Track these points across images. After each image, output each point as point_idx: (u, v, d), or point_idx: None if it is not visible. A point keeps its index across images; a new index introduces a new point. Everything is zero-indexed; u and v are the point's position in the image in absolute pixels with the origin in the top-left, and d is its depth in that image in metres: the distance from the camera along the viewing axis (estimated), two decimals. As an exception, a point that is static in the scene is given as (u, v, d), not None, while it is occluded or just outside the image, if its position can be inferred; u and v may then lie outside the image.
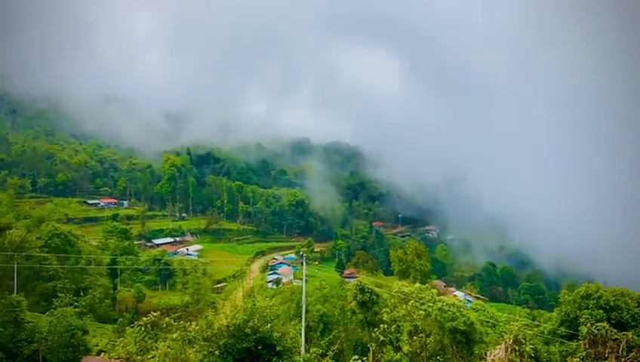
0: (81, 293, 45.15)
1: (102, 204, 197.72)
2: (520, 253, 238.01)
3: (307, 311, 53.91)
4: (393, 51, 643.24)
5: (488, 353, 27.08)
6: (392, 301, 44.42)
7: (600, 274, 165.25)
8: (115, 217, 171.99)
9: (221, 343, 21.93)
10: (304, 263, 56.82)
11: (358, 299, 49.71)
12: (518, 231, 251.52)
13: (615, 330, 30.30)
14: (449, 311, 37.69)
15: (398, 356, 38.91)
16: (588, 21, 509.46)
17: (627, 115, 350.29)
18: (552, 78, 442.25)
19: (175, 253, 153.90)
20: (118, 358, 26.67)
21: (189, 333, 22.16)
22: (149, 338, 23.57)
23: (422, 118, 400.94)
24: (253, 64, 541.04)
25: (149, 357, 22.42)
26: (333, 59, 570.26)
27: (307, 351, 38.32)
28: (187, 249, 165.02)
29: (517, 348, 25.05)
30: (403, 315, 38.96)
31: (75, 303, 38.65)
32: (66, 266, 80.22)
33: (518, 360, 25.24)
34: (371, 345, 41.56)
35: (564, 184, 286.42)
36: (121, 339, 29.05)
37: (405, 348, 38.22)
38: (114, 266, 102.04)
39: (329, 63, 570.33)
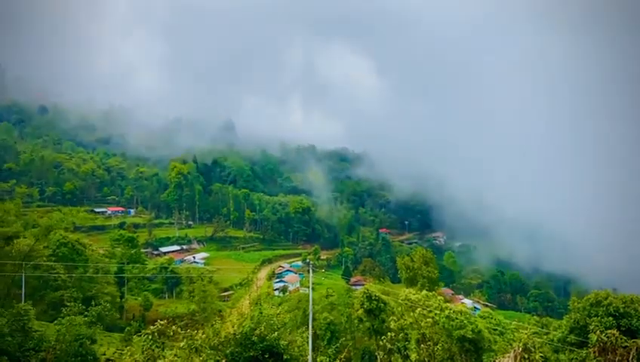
0: (92, 303, 45.32)
1: (109, 212, 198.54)
2: (525, 261, 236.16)
3: (314, 319, 53.75)
4: (380, 54, 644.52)
5: (497, 361, 26.83)
6: (400, 309, 44.25)
7: (600, 279, 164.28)
8: (122, 225, 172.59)
9: (228, 351, 21.91)
10: (310, 271, 56.66)
11: (365, 306, 49.60)
12: (520, 237, 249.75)
13: (625, 338, 29.99)
14: (457, 318, 37.50)
15: (406, 364, 38.68)
16: (583, 21, 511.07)
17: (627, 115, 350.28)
18: (548, 78, 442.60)
19: (182, 261, 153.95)
20: (125, 367, 26.63)
21: (195, 342, 22.16)
22: (157, 346, 23.59)
23: (420, 122, 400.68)
24: (250, 71, 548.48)
25: (156, 365, 22.41)
26: (325, 64, 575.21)
27: (314, 359, 38.16)
28: (194, 257, 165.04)
29: (526, 356, 24.82)
30: (410, 323, 38.80)
31: (86, 312, 38.81)
32: (73, 275, 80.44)
33: (527, 368, 24.99)
34: (379, 354, 41.32)
35: (562, 187, 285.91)
36: (128, 348, 29.08)
37: (413, 357, 37.95)
38: (121, 275, 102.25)
39: (322, 69, 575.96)
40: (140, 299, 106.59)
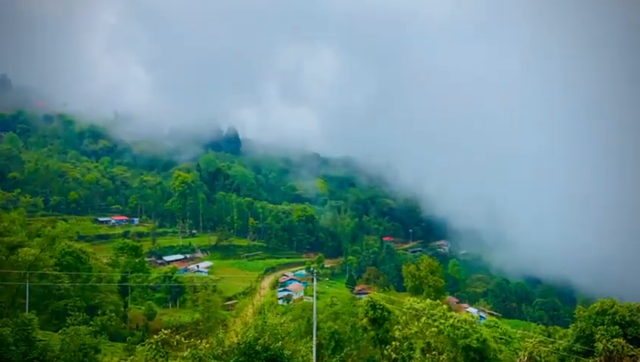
0: (98, 312, 45.31)
1: (113, 221, 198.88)
2: (528, 268, 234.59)
3: (318, 329, 53.55)
4: (363, 55, 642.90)
5: (502, 370, 26.60)
6: (404, 318, 44.06)
7: (604, 288, 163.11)
8: (125, 234, 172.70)
9: (232, 361, 21.84)
10: (314, 279, 56.57)
11: (369, 315, 49.44)
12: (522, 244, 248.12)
13: (631, 346, 29.76)
14: (462, 327, 37.31)
15: (410, 374, 38.36)
16: (571, 21, 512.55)
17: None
18: (543, 82, 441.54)
19: (185, 270, 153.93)
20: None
21: (199, 351, 22.10)
22: (160, 356, 23.56)
23: (413, 126, 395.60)
24: (244, 79, 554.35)
25: (159, 375, 22.36)
26: (310, 67, 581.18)
27: (318, 368, 37.96)
28: (197, 266, 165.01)
29: (532, 365, 24.63)
30: (415, 332, 38.60)
31: (91, 322, 38.80)
32: (77, 284, 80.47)
33: (533, 377, 24.79)
34: (383, 363, 41.11)
35: (562, 191, 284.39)
36: (131, 358, 29.05)
37: (418, 366, 37.72)
38: (125, 284, 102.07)
39: (308, 72, 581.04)
40: (143, 308, 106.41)
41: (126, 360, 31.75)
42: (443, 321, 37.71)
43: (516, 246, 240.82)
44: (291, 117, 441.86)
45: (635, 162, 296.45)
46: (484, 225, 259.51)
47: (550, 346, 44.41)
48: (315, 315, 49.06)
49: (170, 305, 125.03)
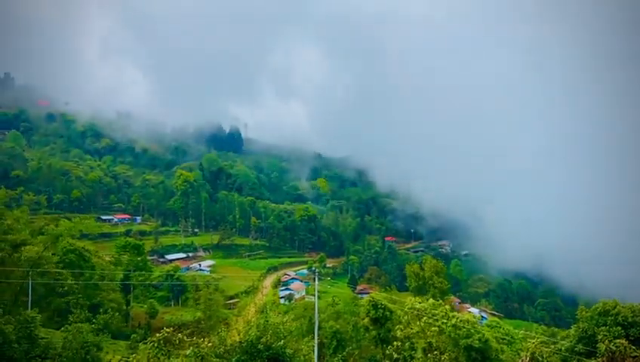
0: (100, 310, 45.42)
1: (115, 220, 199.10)
2: (528, 269, 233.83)
3: (320, 328, 53.57)
4: (359, 55, 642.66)
5: (504, 371, 26.58)
6: (406, 317, 44.05)
7: (605, 289, 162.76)
8: (128, 233, 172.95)
9: (234, 360, 21.91)
10: (316, 279, 56.53)
11: (371, 315, 49.42)
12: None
13: (634, 347, 29.71)
14: (463, 327, 37.30)
15: (412, 373, 38.34)
16: (571, 21, 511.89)
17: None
18: (542, 80, 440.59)
19: (187, 269, 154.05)
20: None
21: (201, 350, 22.16)
22: (162, 354, 23.62)
23: (410, 127, 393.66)
24: (245, 79, 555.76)
25: (162, 373, 22.41)
26: (305, 65, 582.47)
27: (320, 368, 37.98)
28: (199, 264, 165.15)
29: (534, 365, 24.61)
30: (417, 332, 38.61)
31: (93, 320, 38.96)
32: (80, 282, 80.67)
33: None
34: (385, 363, 41.09)
35: (563, 191, 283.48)
36: (134, 356, 29.09)
37: (419, 366, 37.70)
38: (127, 282, 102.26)
39: (303, 71, 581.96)
40: (145, 306, 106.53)
41: (129, 358, 31.82)
42: (445, 321, 37.72)
43: (515, 246, 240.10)
44: (287, 116, 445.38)
45: (635, 162, 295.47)
46: (482, 226, 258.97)
47: (552, 347, 44.35)
48: (316, 314, 49.08)
49: (172, 303, 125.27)
